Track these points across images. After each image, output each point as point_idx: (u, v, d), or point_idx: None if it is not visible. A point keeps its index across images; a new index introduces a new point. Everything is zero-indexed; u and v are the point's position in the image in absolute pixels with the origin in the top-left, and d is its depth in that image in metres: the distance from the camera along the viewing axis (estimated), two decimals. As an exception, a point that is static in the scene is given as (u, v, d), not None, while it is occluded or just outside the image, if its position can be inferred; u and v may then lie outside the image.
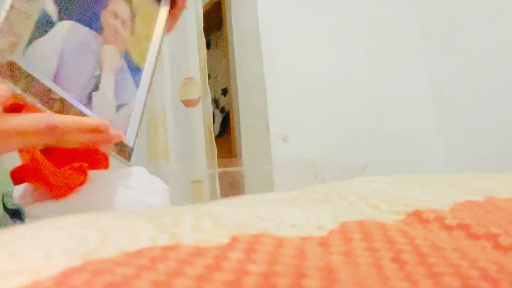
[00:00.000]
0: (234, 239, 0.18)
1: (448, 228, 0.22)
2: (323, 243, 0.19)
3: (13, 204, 0.56)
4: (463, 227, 0.21)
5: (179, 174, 1.33)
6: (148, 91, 0.54)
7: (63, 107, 0.41)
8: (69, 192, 0.60)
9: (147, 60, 0.54)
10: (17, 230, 0.20)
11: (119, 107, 0.48)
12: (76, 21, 0.45)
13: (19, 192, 0.63)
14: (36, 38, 0.40)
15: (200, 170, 1.34)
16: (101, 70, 0.47)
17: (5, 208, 0.54)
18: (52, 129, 0.37)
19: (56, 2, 0.43)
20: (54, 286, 0.14)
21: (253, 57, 1.54)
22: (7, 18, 0.38)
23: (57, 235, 0.18)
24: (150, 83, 0.54)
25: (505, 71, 1.48)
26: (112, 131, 0.41)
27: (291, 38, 1.56)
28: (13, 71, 0.37)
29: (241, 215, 0.23)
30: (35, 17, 0.40)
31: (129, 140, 0.49)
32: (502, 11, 1.50)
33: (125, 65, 0.50)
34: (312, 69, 1.57)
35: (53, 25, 0.42)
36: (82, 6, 0.46)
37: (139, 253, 0.16)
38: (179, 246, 0.17)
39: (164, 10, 0.59)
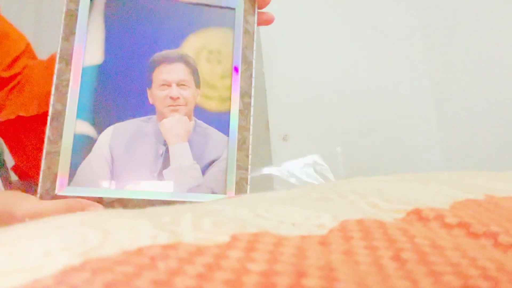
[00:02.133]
0: (234, 238, 0.18)
1: (448, 226, 0.22)
2: (323, 241, 0.19)
3: None
4: (463, 225, 0.21)
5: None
6: (248, 124, 0.50)
7: (122, 204, 0.44)
8: None
9: (233, 97, 0.51)
10: (17, 228, 0.20)
11: (207, 167, 0.48)
12: (119, 121, 0.47)
13: None
14: (82, 160, 0.44)
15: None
16: (165, 145, 0.47)
17: None
18: None
19: (87, 119, 0.46)
20: (54, 284, 0.14)
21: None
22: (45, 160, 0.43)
23: (57, 234, 0.18)
24: (249, 106, 0.50)
25: (505, 70, 1.48)
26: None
27: (291, 37, 1.56)
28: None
29: (241, 214, 0.23)
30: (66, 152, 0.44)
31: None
32: (502, 11, 1.50)
33: (199, 123, 0.49)
34: (312, 68, 1.57)
35: (94, 141, 0.46)
36: (120, 107, 0.47)
37: (139, 251, 0.16)
38: (179, 244, 0.17)
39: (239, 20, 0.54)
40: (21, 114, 0.60)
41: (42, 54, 0.72)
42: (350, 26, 1.66)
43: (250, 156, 0.50)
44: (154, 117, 0.48)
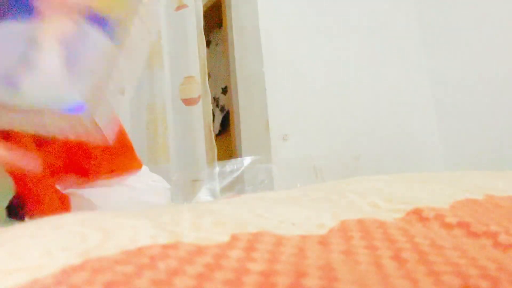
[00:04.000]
0: (234, 238, 0.18)
1: (448, 226, 0.22)
2: (323, 241, 0.19)
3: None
4: (463, 225, 0.21)
5: (180, 172, 1.33)
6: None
7: None
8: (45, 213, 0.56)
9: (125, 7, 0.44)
10: (17, 229, 0.20)
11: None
12: None
13: None
14: None
15: (200, 168, 1.34)
16: (36, 49, 0.41)
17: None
18: None
19: None
20: (54, 284, 0.14)
21: (253, 56, 1.54)
22: None
23: (57, 234, 0.18)
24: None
25: (505, 69, 1.48)
26: None
27: (291, 37, 1.56)
28: None
29: (241, 214, 0.23)
30: None
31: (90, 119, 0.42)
32: (502, 11, 1.50)
33: (86, 20, 0.43)
34: (312, 67, 1.57)
35: None
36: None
37: (139, 251, 0.16)
38: (179, 244, 0.17)
39: None
40: None
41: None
42: (350, 27, 1.66)
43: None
44: (34, 18, 0.41)
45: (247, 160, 1.43)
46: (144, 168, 0.68)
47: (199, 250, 0.17)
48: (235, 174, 1.39)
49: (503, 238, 0.20)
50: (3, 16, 0.42)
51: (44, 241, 0.17)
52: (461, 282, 0.15)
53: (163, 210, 0.24)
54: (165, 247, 0.17)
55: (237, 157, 1.53)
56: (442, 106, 1.69)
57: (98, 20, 0.43)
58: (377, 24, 1.71)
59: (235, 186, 1.38)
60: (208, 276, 0.15)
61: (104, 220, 0.20)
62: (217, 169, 1.37)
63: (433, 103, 1.72)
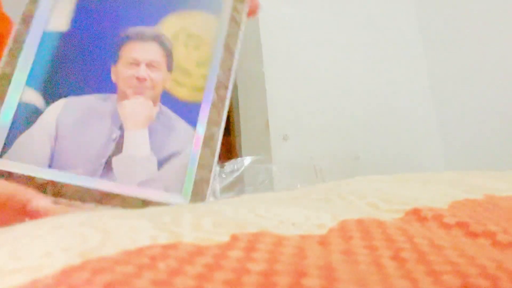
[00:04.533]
0: (234, 238, 0.18)
1: (447, 226, 0.22)
2: (323, 241, 0.19)
3: None
4: (462, 225, 0.22)
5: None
6: (219, 122, 0.45)
7: (56, 188, 0.38)
8: None
9: (207, 88, 0.45)
10: (17, 229, 0.20)
11: (165, 160, 0.42)
12: (74, 94, 0.42)
13: None
14: (22, 132, 0.39)
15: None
16: (121, 130, 0.42)
17: None
18: None
19: (38, 88, 0.41)
20: (53, 284, 0.14)
21: (253, 56, 1.54)
22: None
23: (57, 234, 0.18)
24: (221, 109, 0.45)
25: (505, 69, 1.48)
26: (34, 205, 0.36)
27: (291, 37, 1.56)
28: None
29: (241, 214, 0.23)
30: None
31: (179, 196, 0.42)
32: (502, 11, 1.50)
33: (165, 110, 0.44)
34: (312, 67, 1.57)
35: (40, 112, 0.40)
36: (77, 77, 0.42)
37: (139, 251, 0.16)
38: (179, 244, 0.17)
39: (227, 10, 0.48)
40: None
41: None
42: (350, 26, 1.66)
43: (216, 155, 0.44)
44: (114, 96, 0.42)
45: (247, 160, 1.43)
46: None
47: (199, 250, 0.17)
48: (235, 174, 1.39)
49: (501, 237, 0.20)
50: (76, 90, 0.42)
51: (44, 241, 0.18)
52: (461, 281, 0.15)
53: (163, 210, 0.24)
54: (165, 247, 0.17)
55: (237, 157, 1.53)
56: (442, 106, 1.69)
57: (175, 104, 0.44)
58: (377, 24, 1.71)
59: (235, 186, 1.38)
60: (208, 276, 0.15)
61: (104, 220, 0.20)
62: (217, 169, 1.37)
63: (434, 103, 1.72)
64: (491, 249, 0.19)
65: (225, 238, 0.18)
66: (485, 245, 0.20)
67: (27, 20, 0.42)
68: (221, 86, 0.46)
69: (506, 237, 0.20)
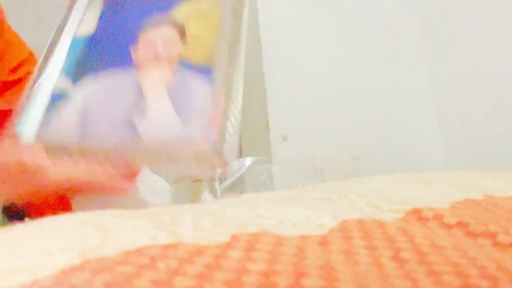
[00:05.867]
0: (234, 238, 0.18)
1: (447, 226, 0.22)
2: (323, 241, 0.19)
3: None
4: (462, 225, 0.22)
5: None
6: (234, 82, 0.49)
7: (86, 152, 0.43)
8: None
9: (220, 54, 0.49)
10: (17, 229, 0.20)
11: (187, 114, 0.46)
12: (101, 70, 0.48)
13: None
14: (54, 114, 0.45)
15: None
16: (143, 96, 0.47)
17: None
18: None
19: (67, 73, 0.47)
20: (54, 284, 0.14)
21: (253, 56, 1.54)
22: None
23: (57, 234, 0.18)
24: (235, 72, 0.49)
25: (505, 69, 1.48)
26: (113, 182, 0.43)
27: (291, 37, 1.56)
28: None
29: (241, 214, 0.23)
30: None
31: (216, 147, 0.44)
32: (502, 11, 1.50)
33: (183, 73, 0.48)
34: (312, 68, 1.57)
35: (67, 96, 0.47)
36: (102, 61, 0.49)
37: (139, 251, 0.16)
38: (179, 244, 0.17)
39: None
40: None
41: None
42: (350, 27, 1.66)
43: (235, 107, 0.49)
44: (133, 69, 0.48)
45: (248, 160, 1.43)
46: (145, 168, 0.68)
47: (199, 250, 0.17)
48: (236, 175, 1.39)
49: (502, 238, 0.20)
50: (115, 66, 0.48)
51: (44, 241, 0.18)
52: (461, 282, 0.15)
53: (163, 210, 0.24)
54: (165, 247, 0.17)
55: (237, 158, 1.53)
56: (442, 106, 1.69)
57: (192, 68, 0.49)
58: (377, 24, 1.71)
59: (236, 187, 1.38)
60: (208, 276, 0.15)
61: (104, 220, 0.20)
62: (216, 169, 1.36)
63: (433, 103, 1.72)
64: (492, 250, 0.19)
65: (225, 238, 0.18)
66: (486, 246, 0.19)
67: (59, 28, 0.49)
68: (232, 44, 0.50)
69: (507, 238, 0.20)
